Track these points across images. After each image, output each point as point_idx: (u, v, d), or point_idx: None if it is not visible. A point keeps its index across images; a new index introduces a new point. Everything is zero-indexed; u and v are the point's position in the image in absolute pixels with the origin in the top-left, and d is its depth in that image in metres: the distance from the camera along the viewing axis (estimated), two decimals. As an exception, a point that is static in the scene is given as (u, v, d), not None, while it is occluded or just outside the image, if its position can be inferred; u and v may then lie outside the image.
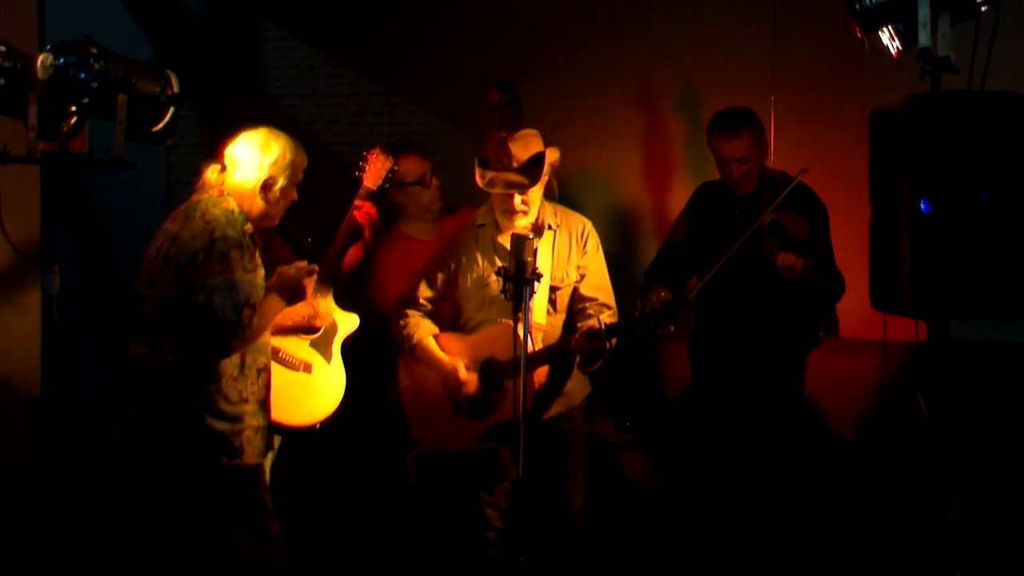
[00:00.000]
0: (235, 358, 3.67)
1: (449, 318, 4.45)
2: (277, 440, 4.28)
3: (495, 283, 4.13)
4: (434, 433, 4.32)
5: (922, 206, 2.94)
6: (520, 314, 3.64)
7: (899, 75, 3.12)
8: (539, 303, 4.15)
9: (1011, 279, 2.97)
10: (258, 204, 3.74)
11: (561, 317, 4.26)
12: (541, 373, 4.16)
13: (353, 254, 4.61)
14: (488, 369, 4.23)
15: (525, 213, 4.18)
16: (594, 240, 4.30)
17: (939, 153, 2.94)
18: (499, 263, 3.99)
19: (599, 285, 4.28)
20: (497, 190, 4.16)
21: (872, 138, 3.18)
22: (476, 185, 4.20)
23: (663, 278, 4.42)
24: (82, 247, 6.04)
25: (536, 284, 3.70)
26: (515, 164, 4.15)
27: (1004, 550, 4.38)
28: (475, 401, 4.23)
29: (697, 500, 4.67)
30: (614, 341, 4.09)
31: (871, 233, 3.19)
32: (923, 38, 2.95)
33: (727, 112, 4.50)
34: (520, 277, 3.63)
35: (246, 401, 3.71)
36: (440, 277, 4.36)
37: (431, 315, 4.41)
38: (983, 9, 3.01)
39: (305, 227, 4.26)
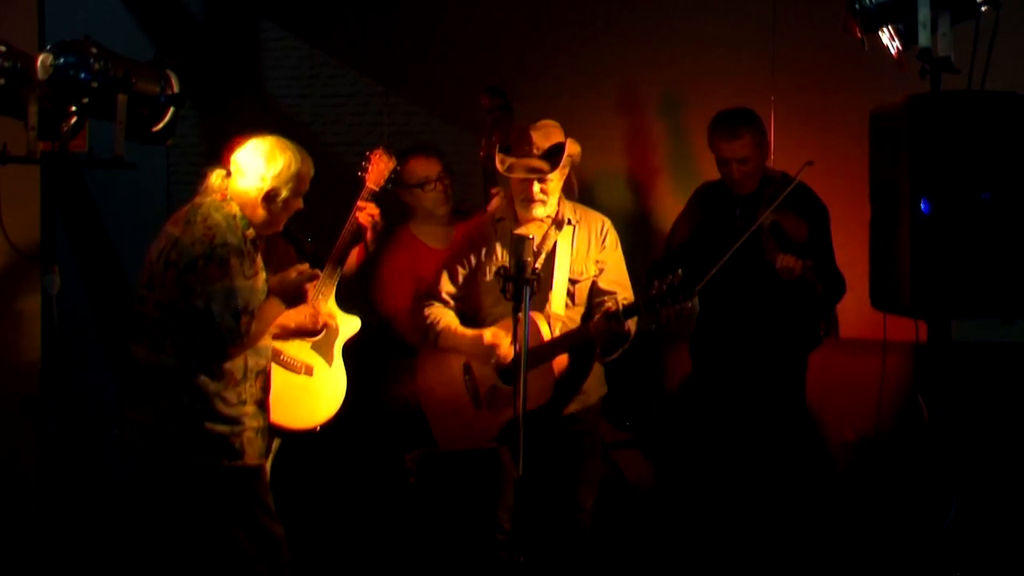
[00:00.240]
0: (235, 361, 3.67)
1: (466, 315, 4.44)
2: (276, 442, 4.28)
3: None
4: (455, 430, 4.32)
5: (922, 206, 2.94)
6: (520, 314, 3.63)
7: (899, 75, 3.12)
8: (558, 295, 4.18)
9: (1011, 279, 2.97)
10: (260, 213, 3.75)
11: (580, 310, 4.26)
12: (561, 362, 4.16)
13: (355, 256, 4.61)
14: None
15: (544, 203, 4.19)
16: (613, 237, 4.32)
17: (939, 153, 2.95)
18: None
19: (617, 280, 4.29)
20: (517, 175, 4.17)
21: (872, 138, 3.19)
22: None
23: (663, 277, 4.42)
24: (82, 247, 6.05)
25: (536, 284, 3.70)
26: (536, 151, 4.16)
27: (1004, 550, 4.38)
28: (494, 393, 4.23)
29: (697, 500, 4.67)
30: (633, 325, 4.09)
31: (871, 233, 3.20)
32: (923, 38, 2.95)
33: (728, 112, 4.51)
34: (520, 277, 3.63)
35: (245, 403, 3.71)
36: (461, 272, 4.35)
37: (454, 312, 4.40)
38: (983, 9, 3.01)
39: (305, 227, 4.25)
